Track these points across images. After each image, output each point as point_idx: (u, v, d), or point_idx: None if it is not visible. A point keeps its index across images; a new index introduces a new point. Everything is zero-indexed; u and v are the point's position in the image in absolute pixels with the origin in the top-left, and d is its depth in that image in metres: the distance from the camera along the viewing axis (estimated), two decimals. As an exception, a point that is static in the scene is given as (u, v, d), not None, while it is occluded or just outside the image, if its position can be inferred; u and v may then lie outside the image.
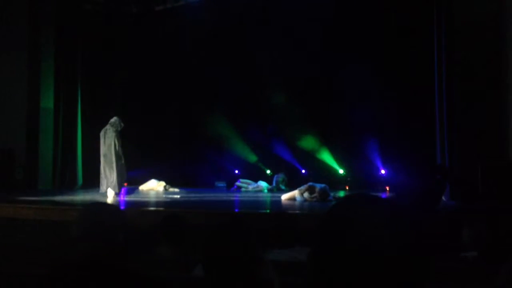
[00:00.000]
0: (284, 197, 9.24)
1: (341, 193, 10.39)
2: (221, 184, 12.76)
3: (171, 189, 11.31)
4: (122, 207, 7.35)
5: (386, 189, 11.19)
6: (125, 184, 10.95)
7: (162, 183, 11.49)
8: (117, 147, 9.10)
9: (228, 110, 12.31)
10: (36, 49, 11.04)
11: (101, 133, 9.26)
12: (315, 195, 8.85)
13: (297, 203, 8.70)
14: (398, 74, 10.59)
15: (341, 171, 12.23)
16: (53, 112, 11.21)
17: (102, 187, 9.24)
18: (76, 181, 11.49)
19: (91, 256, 2.19)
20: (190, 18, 11.60)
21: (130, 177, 11.64)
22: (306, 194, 8.87)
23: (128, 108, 12.51)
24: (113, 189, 9.00)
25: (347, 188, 11.76)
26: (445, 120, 8.64)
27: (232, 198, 10.01)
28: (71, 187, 11.10)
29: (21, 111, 10.87)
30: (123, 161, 9.29)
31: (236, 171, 12.85)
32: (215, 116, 12.28)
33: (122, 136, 9.43)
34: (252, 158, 12.90)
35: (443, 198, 7.65)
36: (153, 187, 11.38)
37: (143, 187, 11.47)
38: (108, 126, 9.29)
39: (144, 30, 11.92)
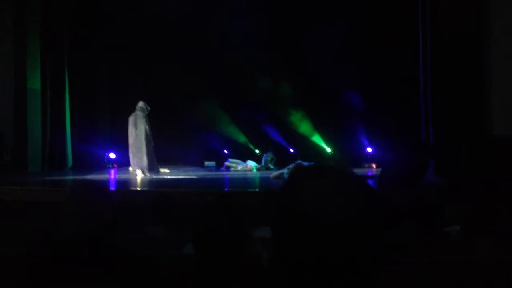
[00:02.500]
0: (273, 175, 9.33)
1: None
2: (211, 164, 12.83)
3: (161, 170, 11.33)
4: (113, 187, 7.39)
5: (372, 166, 11.34)
6: (115, 166, 11.06)
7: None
8: (147, 131, 9.63)
9: (217, 90, 12.31)
10: (22, 29, 10.87)
11: (130, 118, 9.74)
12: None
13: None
14: (384, 53, 10.65)
15: (328, 150, 12.35)
16: (40, 93, 11.11)
17: (132, 167, 9.80)
18: (65, 162, 11.48)
19: (79, 236, 2.22)
20: None
21: (120, 159, 11.69)
22: (294, 173, 8.95)
23: (116, 88, 12.47)
24: (144, 169, 9.53)
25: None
26: (429, 98, 8.75)
27: (221, 178, 10.09)
28: (60, 169, 11.09)
29: (8, 92, 10.75)
30: (153, 143, 9.82)
31: (225, 151, 12.91)
32: (203, 96, 12.28)
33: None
34: (241, 138, 12.95)
35: (428, 174, 7.77)
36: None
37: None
38: (137, 112, 9.73)
39: (132, 9, 11.78)
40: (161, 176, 9.88)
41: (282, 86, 12.27)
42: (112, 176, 9.92)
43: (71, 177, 9.77)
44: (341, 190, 0.99)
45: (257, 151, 12.84)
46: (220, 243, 2.42)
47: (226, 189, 7.76)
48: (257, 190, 7.32)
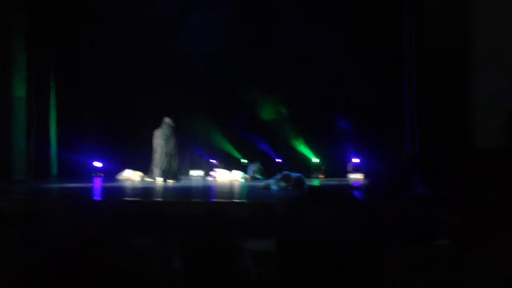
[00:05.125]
0: (260, 186, 9.32)
1: (316, 182, 10.53)
2: (197, 173, 12.78)
3: (147, 179, 11.27)
4: (100, 198, 7.32)
5: (359, 177, 11.39)
6: (101, 174, 11.08)
7: (138, 173, 11.43)
8: (173, 144, 10.54)
9: (203, 100, 12.31)
10: (7, 36, 10.78)
11: (157, 133, 10.61)
12: (290, 184, 8.94)
13: (272, 192, 8.78)
14: (370, 66, 10.76)
15: (315, 160, 12.38)
16: (25, 101, 10.99)
17: (153, 175, 10.56)
18: (50, 171, 11.36)
19: (68, 250, 2.19)
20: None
21: (105, 168, 11.62)
22: (282, 183, 8.95)
23: (103, 96, 12.41)
24: (171, 177, 10.47)
25: (322, 176, 11.91)
26: (414, 111, 8.83)
27: (208, 188, 10.05)
28: (45, 177, 10.97)
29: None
30: (176, 154, 10.71)
31: (212, 161, 12.87)
32: (189, 105, 12.25)
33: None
34: (228, 147, 12.93)
35: (414, 186, 7.82)
36: (129, 177, 11.31)
37: (119, 177, 11.40)
38: (164, 127, 10.61)
39: (118, 16, 11.77)
40: (147, 186, 9.84)
41: (269, 96, 12.30)
42: (98, 186, 9.82)
43: (56, 186, 9.65)
44: (345, 215, 1.01)
45: (243, 160, 12.82)
46: (208, 256, 2.38)
47: (213, 200, 7.73)
48: (244, 201, 7.30)
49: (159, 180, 10.44)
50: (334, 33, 10.83)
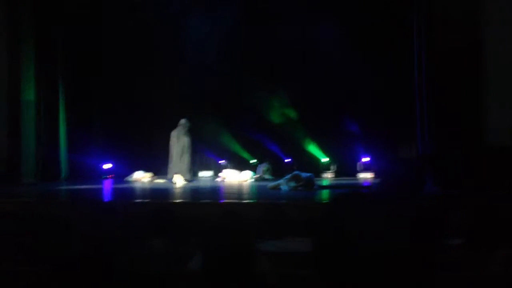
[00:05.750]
0: (270, 186, 9.28)
1: (325, 182, 10.47)
2: (206, 174, 12.79)
3: (157, 180, 11.30)
4: (112, 199, 7.32)
5: (369, 176, 11.34)
6: (111, 176, 11.14)
7: (148, 174, 11.47)
8: (188, 144, 10.75)
9: (213, 101, 12.33)
10: (16, 40, 10.83)
11: (173, 133, 10.84)
12: (300, 183, 8.89)
13: (283, 192, 8.74)
14: (380, 64, 10.72)
15: (324, 159, 12.35)
16: (34, 104, 11.05)
17: (170, 175, 10.75)
18: (60, 173, 11.41)
19: (87, 254, 2.19)
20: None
21: (114, 170, 11.64)
22: (292, 183, 8.91)
23: (112, 99, 12.45)
24: (185, 176, 10.62)
25: (330, 176, 11.88)
26: (425, 108, 8.78)
27: (218, 188, 10.02)
28: (54, 180, 11.01)
29: (2, 104, 10.68)
30: (192, 155, 10.96)
31: (221, 161, 12.88)
32: (198, 106, 12.27)
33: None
34: (237, 148, 12.93)
35: (426, 185, 7.77)
36: (140, 178, 11.35)
37: (130, 178, 11.44)
38: (179, 127, 10.85)
39: (127, 19, 11.79)
40: (158, 187, 9.84)
41: (278, 96, 12.28)
42: (109, 188, 9.82)
43: (64, 188, 9.67)
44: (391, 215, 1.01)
45: (252, 161, 12.81)
46: (230, 258, 2.37)
47: (222, 201, 7.70)
48: (255, 201, 7.26)
49: (177, 180, 10.53)
50: (343, 32, 10.79)
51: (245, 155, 12.94)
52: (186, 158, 10.82)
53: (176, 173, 10.69)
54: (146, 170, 11.54)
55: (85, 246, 2.26)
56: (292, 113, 12.48)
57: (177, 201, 6.67)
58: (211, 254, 2.43)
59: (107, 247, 2.34)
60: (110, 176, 12.26)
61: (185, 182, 10.57)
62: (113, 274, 2.15)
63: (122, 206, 5.33)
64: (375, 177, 10.84)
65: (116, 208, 2.41)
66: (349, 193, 1.11)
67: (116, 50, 11.99)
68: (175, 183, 10.37)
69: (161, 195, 8.47)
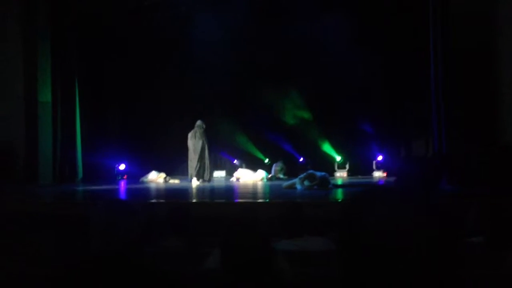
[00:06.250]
0: (285, 185, 9.28)
1: (339, 181, 10.45)
2: (220, 174, 12.82)
3: (172, 181, 11.36)
4: (128, 198, 7.38)
5: (383, 175, 11.29)
6: (125, 177, 11.19)
7: (163, 175, 11.54)
8: (205, 144, 10.73)
9: (226, 101, 12.36)
10: (33, 42, 10.95)
11: (190, 134, 10.78)
12: (315, 183, 8.88)
13: (297, 191, 8.73)
14: (396, 63, 10.66)
15: (338, 158, 12.31)
16: (51, 106, 11.16)
17: (190, 176, 10.69)
18: (76, 174, 11.51)
19: (104, 253, 2.20)
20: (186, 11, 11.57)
21: (128, 171, 11.72)
22: (306, 182, 8.90)
23: (127, 100, 12.53)
24: (202, 177, 10.68)
25: (344, 175, 11.85)
26: (441, 106, 8.71)
27: (232, 188, 10.05)
28: (71, 181, 11.12)
29: (19, 105, 10.80)
30: (209, 156, 10.90)
31: (235, 161, 12.90)
32: (212, 106, 12.31)
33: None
34: (251, 147, 12.95)
35: (441, 183, 7.71)
36: (154, 179, 11.42)
37: (144, 179, 11.52)
38: (196, 129, 10.79)
39: (141, 23, 11.85)
40: (173, 187, 9.91)
41: (292, 96, 12.28)
42: (123, 188, 9.90)
43: (81, 189, 9.76)
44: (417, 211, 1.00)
45: (266, 160, 12.82)
46: (249, 257, 2.37)
47: (237, 200, 7.71)
48: (268, 200, 7.27)
49: (196, 181, 10.56)
50: (360, 31, 10.73)
51: (259, 154, 12.95)
52: (205, 159, 10.86)
53: (195, 174, 10.71)
54: (159, 170, 11.61)
55: (103, 246, 2.28)
56: (305, 112, 12.47)
57: (194, 201, 6.71)
58: (228, 253, 2.44)
59: (126, 246, 2.35)
60: (124, 176, 12.36)
61: (205, 183, 10.61)
62: (131, 273, 2.17)
63: (143, 206, 5.36)
64: (389, 176, 10.79)
65: (138, 209, 2.42)
66: (368, 191, 1.10)
67: (130, 51, 12.06)
68: (194, 184, 10.39)
69: (178, 195, 8.52)
